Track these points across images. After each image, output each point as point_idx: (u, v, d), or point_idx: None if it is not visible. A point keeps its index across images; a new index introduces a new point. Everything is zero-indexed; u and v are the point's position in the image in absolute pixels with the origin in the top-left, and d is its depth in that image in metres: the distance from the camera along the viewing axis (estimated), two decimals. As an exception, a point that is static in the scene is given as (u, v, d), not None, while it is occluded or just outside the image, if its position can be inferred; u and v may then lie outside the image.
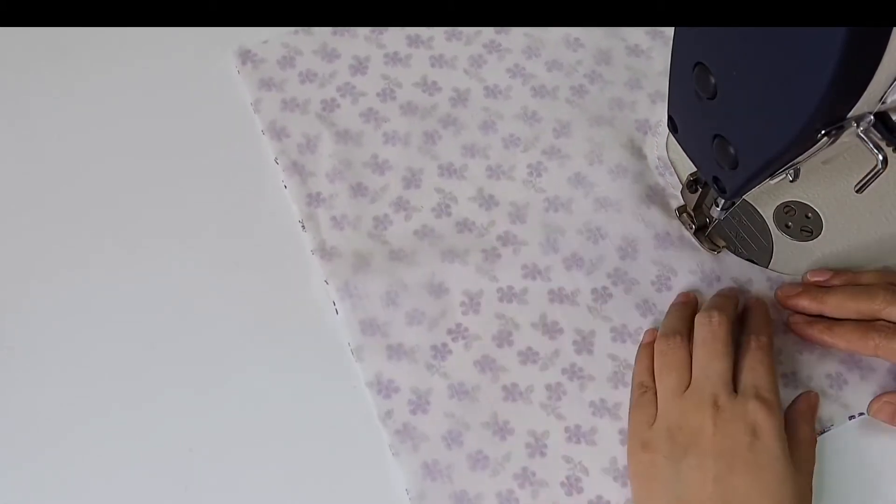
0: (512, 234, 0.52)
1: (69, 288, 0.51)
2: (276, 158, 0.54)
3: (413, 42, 0.58)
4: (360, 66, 0.57)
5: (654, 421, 0.45)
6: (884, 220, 0.49)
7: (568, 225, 0.52)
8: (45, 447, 0.48)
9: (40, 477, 0.47)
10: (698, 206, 0.50)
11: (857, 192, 0.40)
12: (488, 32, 0.58)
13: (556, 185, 0.53)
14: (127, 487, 0.47)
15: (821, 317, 0.48)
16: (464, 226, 0.52)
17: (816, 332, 0.47)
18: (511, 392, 0.48)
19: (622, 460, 0.46)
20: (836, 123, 0.35)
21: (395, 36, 0.58)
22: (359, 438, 0.47)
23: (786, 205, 0.51)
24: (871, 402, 0.47)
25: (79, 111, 0.56)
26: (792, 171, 0.40)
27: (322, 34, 0.58)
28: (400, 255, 0.51)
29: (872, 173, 0.38)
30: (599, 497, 0.46)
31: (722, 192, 0.43)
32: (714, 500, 0.41)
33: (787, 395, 0.47)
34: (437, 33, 0.58)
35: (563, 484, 0.46)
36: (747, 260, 0.51)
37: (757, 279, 0.51)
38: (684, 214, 0.52)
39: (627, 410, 0.47)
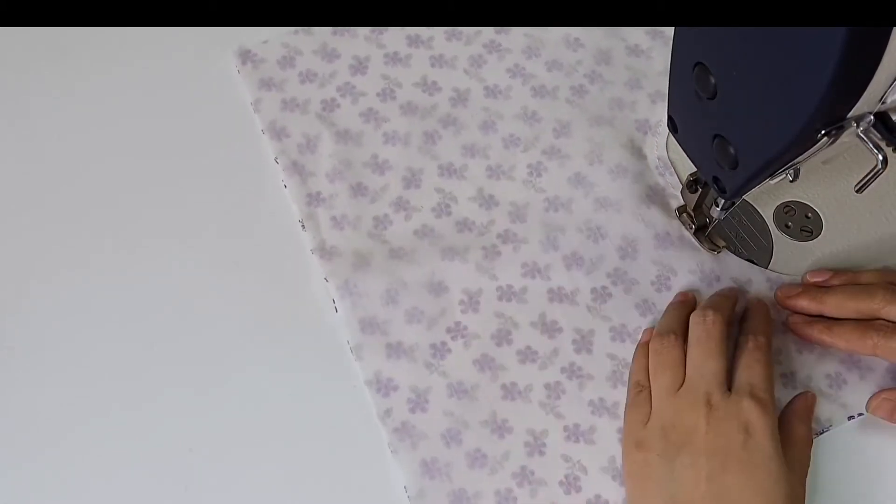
0: (512, 233, 0.52)
1: (69, 288, 0.51)
2: (276, 158, 0.54)
3: (413, 42, 0.58)
4: (360, 66, 0.57)
5: (649, 420, 0.45)
6: (884, 220, 0.49)
7: (568, 223, 0.52)
8: (46, 447, 0.48)
9: (40, 477, 0.47)
10: (698, 206, 0.50)
11: (857, 192, 0.40)
12: (488, 32, 0.58)
13: (556, 185, 0.53)
14: (127, 487, 0.47)
15: (820, 317, 0.48)
16: (464, 225, 0.52)
17: (816, 331, 0.47)
18: (510, 391, 0.48)
19: (621, 459, 0.46)
20: (836, 123, 0.35)
21: (395, 36, 0.58)
22: (358, 438, 0.47)
23: (786, 205, 0.51)
24: (869, 398, 0.47)
25: (79, 111, 0.56)
26: (792, 171, 0.41)
27: (322, 34, 0.58)
28: (400, 254, 0.51)
29: (872, 173, 0.38)
30: (598, 496, 0.46)
31: (722, 192, 0.43)
32: (707, 498, 0.41)
33: (786, 396, 0.47)
34: (437, 33, 0.58)
35: (561, 483, 0.46)
36: (747, 260, 0.51)
37: (757, 279, 0.51)
38: (684, 214, 0.52)
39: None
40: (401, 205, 0.53)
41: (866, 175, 0.39)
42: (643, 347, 0.48)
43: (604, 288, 0.50)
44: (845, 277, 0.49)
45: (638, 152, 0.54)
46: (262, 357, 0.49)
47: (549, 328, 0.49)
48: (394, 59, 0.57)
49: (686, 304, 0.49)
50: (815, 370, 0.48)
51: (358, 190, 0.53)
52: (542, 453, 0.47)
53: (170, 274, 0.51)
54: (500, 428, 0.47)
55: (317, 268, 0.51)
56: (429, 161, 0.54)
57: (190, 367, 0.49)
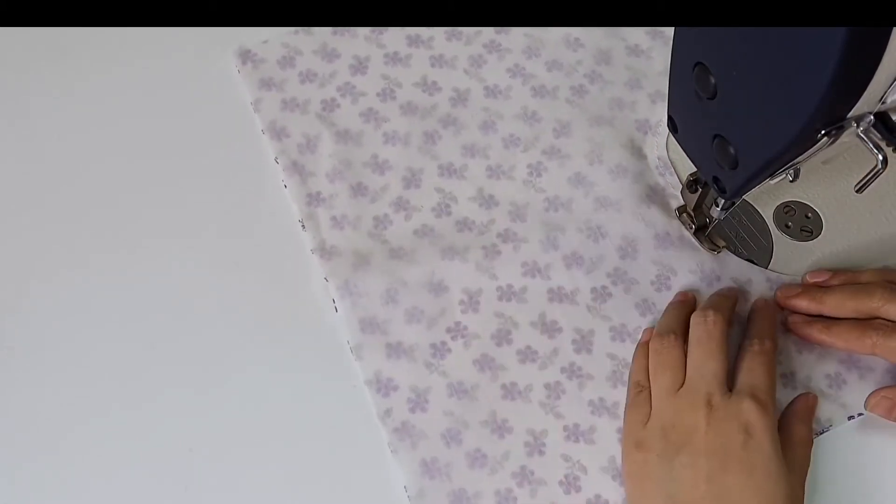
0: (512, 232, 0.52)
1: (69, 288, 0.51)
2: (276, 158, 0.54)
3: (413, 42, 0.58)
4: (360, 66, 0.57)
5: (649, 420, 0.45)
6: (884, 220, 0.49)
7: (568, 223, 0.52)
8: (46, 447, 0.48)
9: (40, 477, 0.47)
10: (698, 206, 0.50)
11: (857, 192, 0.40)
12: (488, 32, 0.58)
13: (556, 185, 0.53)
14: (127, 487, 0.47)
15: (820, 316, 0.48)
16: (464, 224, 0.52)
17: (815, 331, 0.47)
18: (510, 391, 0.48)
19: (620, 459, 0.46)
20: (836, 123, 0.35)
21: (395, 36, 0.58)
22: (358, 437, 0.47)
23: (786, 205, 0.51)
24: (868, 396, 0.47)
25: (79, 111, 0.56)
26: (792, 171, 0.41)
27: (322, 34, 0.58)
28: (400, 254, 0.51)
29: (872, 173, 0.38)
30: (598, 496, 0.46)
31: (722, 192, 0.43)
32: (706, 498, 0.41)
33: (786, 396, 0.47)
34: (437, 33, 0.58)
35: (561, 483, 0.46)
36: (747, 260, 0.51)
37: (757, 279, 0.51)
38: (684, 214, 0.52)
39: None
40: (401, 205, 0.53)
41: (866, 175, 0.39)
42: (643, 347, 0.48)
43: (604, 288, 0.50)
44: (844, 277, 0.49)
45: (638, 152, 0.54)
46: (262, 357, 0.49)
47: (549, 328, 0.49)
48: (394, 59, 0.57)
49: (686, 304, 0.49)
50: (815, 370, 0.48)
51: (358, 190, 0.53)
52: (541, 453, 0.47)
53: (170, 274, 0.51)
54: (500, 428, 0.47)
55: (317, 268, 0.51)
56: (429, 161, 0.54)
57: (190, 367, 0.49)
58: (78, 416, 0.48)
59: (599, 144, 0.54)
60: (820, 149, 0.37)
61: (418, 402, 0.48)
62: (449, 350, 0.49)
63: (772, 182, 0.41)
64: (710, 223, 0.51)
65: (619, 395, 0.48)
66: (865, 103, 0.35)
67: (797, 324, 0.48)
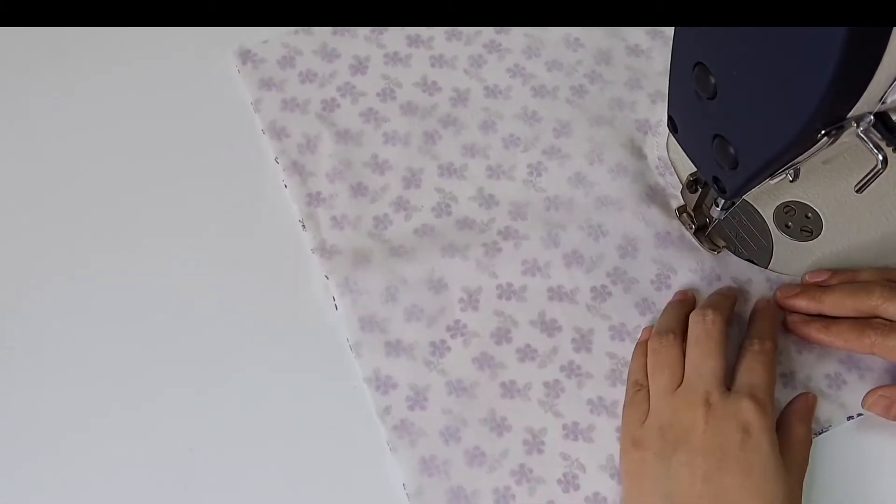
0: (513, 229, 0.52)
1: (69, 288, 0.51)
2: (276, 158, 0.54)
3: (413, 42, 0.58)
4: (360, 66, 0.57)
5: (647, 418, 0.45)
6: (884, 220, 0.49)
7: (568, 221, 0.52)
8: (46, 447, 0.48)
9: (40, 477, 0.47)
10: (698, 206, 0.50)
11: (857, 192, 0.40)
12: (488, 32, 0.58)
13: (557, 185, 0.53)
14: (127, 487, 0.47)
15: (820, 316, 0.48)
16: (464, 224, 0.52)
17: (814, 330, 0.47)
18: (509, 389, 0.48)
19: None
20: (836, 123, 0.35)
21: (395, 36, 0.58)
22: (357, 436, 0.47)
23: (786, 205, 0.51)
24: (865, 395, 0.46)
25: (79, 111, 0.56)
26: (792, 171, 0.41)
27: (322, 34, 0.58)
28: (400, 252, 0.51)
29: (872, 173, 0.38)
30: (596, 494, 0.46)
31: (722, 192, 0.43)
32: (703, 497, 0.41)
33: (786, 396, 0.47)
34: (437, 33, 0.58)
35: (559, 481, 0.46)
36: (747, 260, 0.51)
37: (757, 279, 0.51)
38: (684, 214, 0.52)
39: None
40: (401, 205, 0.53)
41: (866, 175, 0.39)
42: (642, 346, 0.48)
43: (603, 287, 0.50)
44: (844, 277, 0.49)
45: (638, 152, 0.54)
46: (262, 357, 0.49)
47: (549, 327, 0.49)
48: (394, 59, 0.57)
49: (685, 303, 0.49)
50: (815, 370, 0.48)
51: (358, 190, 0.53)
52: (540, 451, 0.47)
53: (170, 274, 0.51)
54: (499, 426, 0.47)
55: (317, 268, 0.51)
56: (429, 161, 0.54)
57: (190, 367, 0.49)
58: (78, 416, 0.48)
59: (599, 144, 0.54)
60: (820, 149, 0.37)
61: (417, 399, 0.48)
62: (448, 348, 0.49)
63: (772, 182, 0.41)
64: (710, 223, 0.51)
65: (619, 393, 0.48)
66: (865, 103, 0.35)
67: (796, 323, 0.48)
